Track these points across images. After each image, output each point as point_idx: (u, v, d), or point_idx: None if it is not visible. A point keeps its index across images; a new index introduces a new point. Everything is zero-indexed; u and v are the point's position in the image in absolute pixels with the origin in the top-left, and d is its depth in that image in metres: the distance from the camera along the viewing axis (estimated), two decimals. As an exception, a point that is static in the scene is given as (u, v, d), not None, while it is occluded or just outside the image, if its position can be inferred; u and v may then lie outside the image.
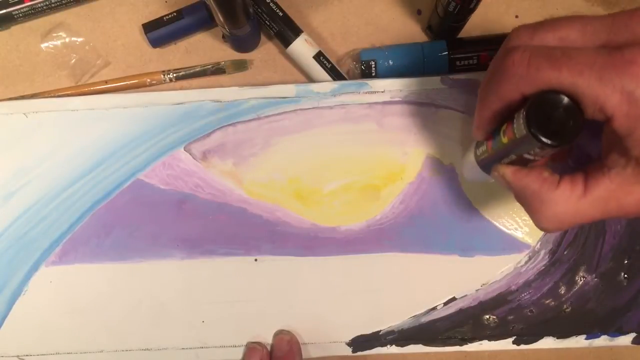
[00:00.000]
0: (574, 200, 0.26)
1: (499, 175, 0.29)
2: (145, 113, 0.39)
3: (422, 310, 0.38)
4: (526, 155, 0.26)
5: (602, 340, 0.38)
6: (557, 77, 0.23)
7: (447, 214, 0.39)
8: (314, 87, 0.39)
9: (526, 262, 0.38)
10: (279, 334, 0.38)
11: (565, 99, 0.24)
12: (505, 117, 0.27)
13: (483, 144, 0.30)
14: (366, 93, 0.39)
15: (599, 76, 0.23)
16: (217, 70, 0.41)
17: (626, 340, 0.38)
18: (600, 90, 0.23)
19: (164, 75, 0.41)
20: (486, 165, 0.31)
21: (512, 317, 0.38)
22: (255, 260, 0.38)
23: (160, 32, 0.40)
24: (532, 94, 0.24)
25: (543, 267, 0.38)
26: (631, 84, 0.22)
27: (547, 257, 0.39)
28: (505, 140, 0.27)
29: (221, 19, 0.36)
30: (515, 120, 0.25)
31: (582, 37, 0.25)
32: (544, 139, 0.24)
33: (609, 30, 0.24)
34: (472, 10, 0.37)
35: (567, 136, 0.24)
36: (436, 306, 0.38)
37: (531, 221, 0.38)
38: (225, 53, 0.42)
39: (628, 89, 0.22)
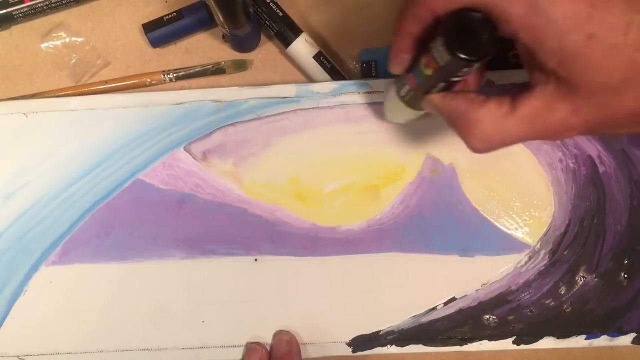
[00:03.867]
0: (500, 118, 0.26)
1: (429, 105, 0.30)
2: (145, 113, 0.39)
3: (422, 310, 0.38)
4: (454, 79, 0.27)
5: (602, 340, 0.38)
6: None
7: (447, 214, 0.39)
8: (314, 87, 0.39)
9: (526, 262, 0.38)
10: (279, 334, 0.38)
11: (477, 15, 0.24)
12: (419, 46, 0.28)
13: (405, 85, 0.31)
14: (366, 93, 0.39)
15: None
16: (217, 70, 0.41)
17: (626, 340, 0.38)
18: (506, 2, 0.23)
19: (164, 75, 0.41)
20: (415, 102, 0.31)
21: (512, 317, 0.38)
22: (255, 260, 0.38)
23: (160, 32, 0.40)
24: (444, 15, 0.25)
25: (543, 267, 0.38)
26: None
27: (547, 257, 0.39)
28: (428, 72, 0.27)
29: (221, 19, 0.36)
30: (433, 49, 0.26)
31: None
32: (466, 56, 0.24)
33: None
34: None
35: (487, 49, 0.24)
36: (436, 306, 0.38)
37: (531, 221, 0.39)
38: (225, 53, 0.42)
39: (530, 0, 0.22)
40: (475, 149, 0.28)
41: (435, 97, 0.29)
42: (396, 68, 0.30)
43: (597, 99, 0.24)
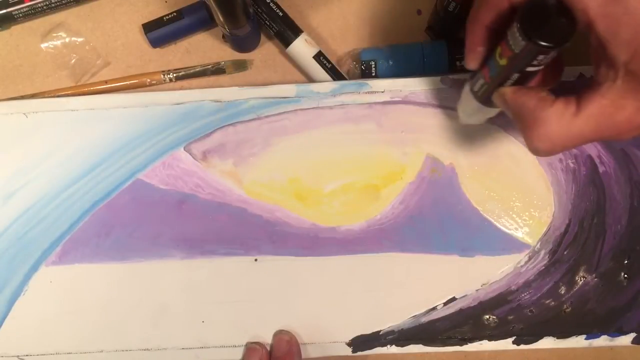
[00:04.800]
0: (566, 119, 0.25)
1: (499, 98, 0.29)
2: (145, 113, 0.39)
3: (422, 310, 0.38)
4: (528, 69, 0.26)
5: (602, 340, 0.38)
6: None
7: (447, 214, 0.39)
8: (314, 87, 0.39)
9: (526, 262, 0.38)
10: (279, 334, 0.38)
11: (553, 1, 0.24)
12: (494, 40, 0.27)
13: (480, 78, 0.30)
14: (366, 93, 0.39)
15: None
16: (217, 70, 0.41)
17: (626, 340, 0.38)
18: None
19: (164, 75, 0.41)
20: (487, 97, 0.31)
21: (512, 317, 0.38)
22: (255, 260, 0.38)
23: (160, 32, 0.40)
24: (520, 2, 0.25)
25: (543, 267, 0.38)
26: None
27: (547, 257, 0.39)
28: (503, 61, 0.27)
29: (221, 19, 0.36)
30: (509, 37, 0.26)
31: None
32: (543, 43, 0.24)
33: None
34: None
35: (564, 35, 0.24)
36: (436, 306, 0.38)
37: (531, 221, 0.39)
38: (225, 53, 0.42)
39: None
40: (537, 150, 0.27)
41: (507, 90, 0.28)
42: (472, 62, 0.30)
43: None
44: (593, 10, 0.23)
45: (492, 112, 0.32)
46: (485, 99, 0.31)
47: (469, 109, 0.34)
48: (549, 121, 0.26)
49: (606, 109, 0.25)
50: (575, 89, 0.26)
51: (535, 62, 0.26)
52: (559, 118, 0.26)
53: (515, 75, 0.28)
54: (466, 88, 0.33)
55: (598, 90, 0.25)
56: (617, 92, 0.24)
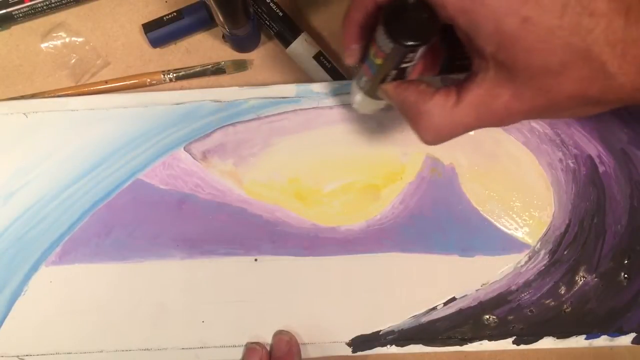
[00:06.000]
0: (448, 109, 0.26)
1: (383, 93, 0.30)
2: (146, 113, 0.39)
3: (422, 310, 0.38)
4: (403, 66, 0.27)
5: (602, 340, 0.38)
6: None
7: (447, 214, 0.39)
8: (314, 87, 0.39)
9: (526, 262, 0.38)
10: (279, 334, 0.38)
11: (412, 0, 0.24)
12: (369, 36, 0.28)
13: (362, 75, 0.31)
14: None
15: None
16: (217, 70, 0.41)
17: (626, 340, 0.38)
18: None
19: (164, 75, 0.41)
20: (373, 92, 0.31)
21: (512, 317, 0.38)
22: (255, 260, 0.38)
23: (160, 32, 0.40)
24: (384, 2, 0.25)
25: (543, 267, 0.38)
26: None
27: (547, 257, 0.39)
28: (378, 60, 0.27)
29: (221, 19, 0.36)
30: (378, 38, 0.26)
31: None
32: (409, 42, 0.25)
33: None
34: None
35: (428, 32, 0.25)
36: (436, 306, 0.38)
37: (531, 221, 0.39)
38: (225, 53, 0.42)
39: None
40: (426, 141, 0.28)
41: (389, 87, 0.29)
42: (349, 59, 0.30)
43: (537, 82, 0.24)
44: (451, 6, 0.23)
45: (382, 103, 0.33)
46: (371, 94, 0.32)
47: (361, 101, 0.34)
48: (431, 113, 0.27)
49: (483, 97, 0.25)
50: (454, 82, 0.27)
51: (407, 59, 0.26)
52: (440, 109, 0.26)
53: (393, 72, 0.28)
54: (354, 82, 0.33)
55: (474, 80, 0.26)
56: (491, 81, 0.25)
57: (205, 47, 0.42)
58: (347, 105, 0.39)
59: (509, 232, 0.39)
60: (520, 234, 0.39)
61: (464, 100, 0.26)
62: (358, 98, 0.34)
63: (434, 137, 0.28)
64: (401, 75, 0.28)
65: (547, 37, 0.22)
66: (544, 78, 0.24)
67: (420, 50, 0.26)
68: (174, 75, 0.41)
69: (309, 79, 0.41)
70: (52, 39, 0.41)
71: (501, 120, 0.26)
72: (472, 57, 0.26)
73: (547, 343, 0.38)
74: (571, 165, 0.39)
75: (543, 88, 0.24)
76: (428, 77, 0.31)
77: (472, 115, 0.26)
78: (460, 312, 0.38)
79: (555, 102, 0.24)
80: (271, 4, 0.40)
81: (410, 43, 0.25)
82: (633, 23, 0.22)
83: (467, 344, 0.38)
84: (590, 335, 0.38)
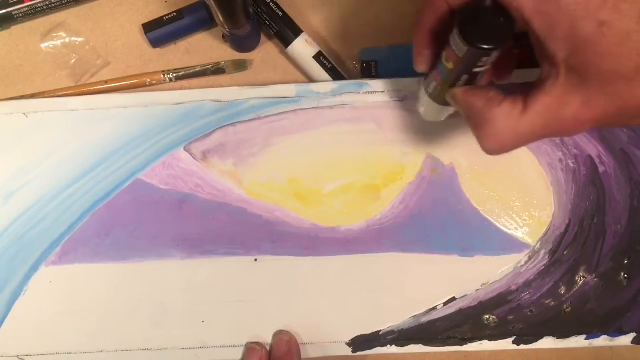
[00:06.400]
0: (514, 118, 0.26)
1: (451, 99, 0.29)
2: (145, 113, 0.39)
3: (422, 310, 0.38)
4: (475, 70, 0.27)
5: (602, 340, 0.38)
6: None
7: (447, 214, 0.39)
8: (314, 87, 0.39)
9: (526, 262, 0.38)
10: (278, 334, 0.38)
11: (489, 2, 0.24)
12: (441, 42, 0.27)
13: (432, 81, 0.31)
14: (366, 93, 0.39)
15: None
16: (217, 70, 0.41)
17: (626, 340, 0.38)
18: None
19: (164, 75, 0.41)
20: (442, 98, 0.31)
21: (512, 317, 0.38)
22: (255, 260, 0.38)
23: (160, 32, 0.40)
24: (458, 6, 0.25)
25: (543, 267, 0.38)
26: None
27: (547, 257, 0.39)
28: (450, 65, 0.27)
29: (221, 19, 0.36)
30: (451, 42, 0.26)
31: None
32: (484, 46, 0.24)
33: None
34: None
35: (503, 35, 0.24)
36: (436, 306, 0.38)
37: (531, 221, 0.39)
38: (225, 53, 0.42)
39: None
40: (488, 150, 0.27)
41: (458, 92, 0.28)
42: (420, 66, 0.30)
43: (610, 88, 0.23)
44: (528, 8, 0.23)
45: (451, 109, 0.33)
46: (440, 100, 0.31)
47: (428, 108, 0.34)
48: (497, 121, 0.26)
49: (551, 106, 0.25)
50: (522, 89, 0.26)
51: (480, 64, 0.26)
52: (507, 117, 0.26)
53: (465, 77, 0.28)
54: (422, 89, 0.33)
55: (542, 87, 0.25)
56: (561, 88, 0.24)
57: (205, 47, 0.42)
58: (347, 105, 0.39)
59: (509, 232, 0.39)
60: (520, 234, 0.39)
61: (531, 109, 0.25)
62: (425, 104, 0.33)
63: (496, 145, 0.27)
64: (472, 80, 0.28)
65: (624, 42, 0.22)
66: (616, 84, 0.23)
67: (494, 54, 0.25)
68: (174, 75, 0.41)
69: (309, 79, 0.41)
70: (52, 39, 0.41)
71: (569, 129, 0.25)
72: (542, 64, 0.25)
73: (547, 343, 0.38)
74: (571, 165, 0.39)
75: (616, 94, 0.23)
76: (499, 83, 0.30)
77: (539, 124, 0.25)
78: (460, 312, 0.38)
79: (628, 108, 0.24)
80: (271, 4, 0.40)
81: (485, 46, 0.24)
82: None
83: (467, 344, 0.38)
84: (590, 335, 0.38)
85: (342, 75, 0.40)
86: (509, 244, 0.39)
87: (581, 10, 0.22)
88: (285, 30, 0.40)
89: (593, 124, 0.25)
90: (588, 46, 0.22)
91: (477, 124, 0.27)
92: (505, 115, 0.26)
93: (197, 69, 0.41)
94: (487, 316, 0.38)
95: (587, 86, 0.24)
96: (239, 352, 0.38)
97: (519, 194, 0.39)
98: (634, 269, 0.38)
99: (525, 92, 0.26)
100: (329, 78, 0.40)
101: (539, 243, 0.39)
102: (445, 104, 0.31)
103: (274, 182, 0.39)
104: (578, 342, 0.38)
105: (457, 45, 0.25)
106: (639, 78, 0.23)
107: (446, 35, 0.26)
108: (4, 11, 0.40)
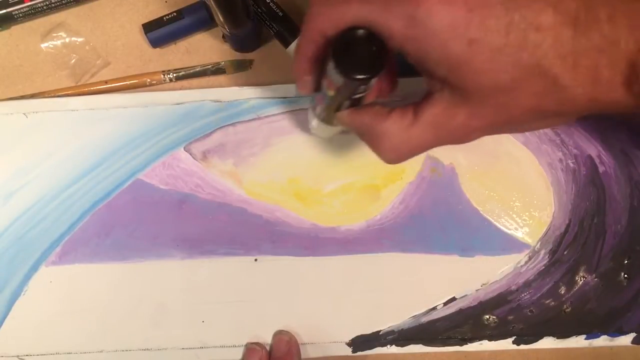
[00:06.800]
0: (404, 129, 0.26)
1: (340, 122, 0.30)
2: (145, 113, 0.39)
3: (422, 310, 0.38)
4: (356, 96, 0.27)
5: (602, 340, 0.38)
6: (349, 10, 0.24)
7: (447, 214, 0.39)
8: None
9: (526, 262, 0.38)
10: (278, 334, 0.38)
11: (361, 31, 0.24)
12: (322, 69, 0.28)
13: (317, 105, 0.31)
14: (366, 93, 0.39)
15: (384, 5, 0.23)
16: (217, 70, 0.41)
17: (626, 340, 0.38)
18: (387, 17, 0.23)
19: (164, 75, 0.41)
20: (329, 119, 0.31)
21: (512, 317, 0.38)
22: (255, 260, 0.38)
23: (160, 32, 0.40)
24: (333, 36, 0.25)
25: (543, 267, 0.38)
26: (409, 7, 0.22)
27: (547, 257, 0.39)
28: (331, 92, 0.27)
29: (221, 19, 0.36)
30: (328, 72, 0.26)
31: None
32: (359, 76, 0.24)
33: None
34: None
35: (378, 63, 0.24)
36: (436, 306, 0.38)
37: (531, 221, 0.39)
38: (225, 53, 0.42)
39: (408, 13, 0.22)
40: (387, 161, 0.28)
41: (344, 115, 0.29)
42: (302, 90, 0.30)
43: (492, 100, 0.24)
44: (398, 35, 0.23)
45: (338, 128, 0.33)
46: (328, 121, 0.32)
47: (317, 127, 0.34)
48: (389, 133, 0.27)
49: (439, 117, 0.25)
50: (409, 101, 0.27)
51: (359, 91, 0.26)
52: (398, 129, 0.27)
53: (347, 102, 0.28)
54: (310, 109, 0.33)
55: (430, 100, 0.26)
56: (447, 101, 0.25)
57: (205, 47, 0.42)
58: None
59: (509, 232, 0.39)
60: (520, 234, 0.39)
61: (420, 120, 0.26)
62: (314, 125, 0.34)
63: (393, 156, 0.28)
64: (355, 103, 0.28)
65: (495, 57, 0.22)
66: (498, 96, 0.24)
67: (372, 82, 0.25)
68: (174, 75, 0.41)
69: (309, 79, 0.41)
70: (52, 39, 0.41)
71: (460, 138, 0.26)
72: (425, 79, 0.26)
73: (547, 343, 0.38)
74: (571, 165, 0.39)
75: (499, 105, 0.24)
76: (383, 100, 0.30)
77: (430, 133, 0.26)
78: (460, 312, 0.38)
79: (513, 117, 0.25)
80: (271, 4, 0.40)
81: (360, 77, 0.24)
82: (582, 34, 0.22)
83: (467, 344, 0.38)
84: (590, 335, 0.38)
85: (342, 75, 0.40)
86: (509, 244, 0.39)
87: (449, 31, 0.22)
88: (285, 30, 0.40)
89: (483, 132, 0.26)
90: (461, 65, 0.23)
91: (370, 140, 0.28)
92: (396, 127, 0.27)
93: (197, 69, 0.41)
94: (487, 316, 0.38)
95: (470, 99, 0.24)
96: (239, 352, 0.38)
97: (519, 194, 0.39)
98: (634, 269, 0.38)
99: (414, 103, 0.26)
100: (329, 78, 0.40)
101: (539, 243, 0.39)
102: (333, 124, 0.32)
103: (274, 182, 0.39)
104: (578, 342, 0.38)
105: (334, 75, 0.25)
106: (518, 88, 0.23)
107: (326, 62, 0.27)
108: (4, 11, 0.40)
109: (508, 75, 0.23)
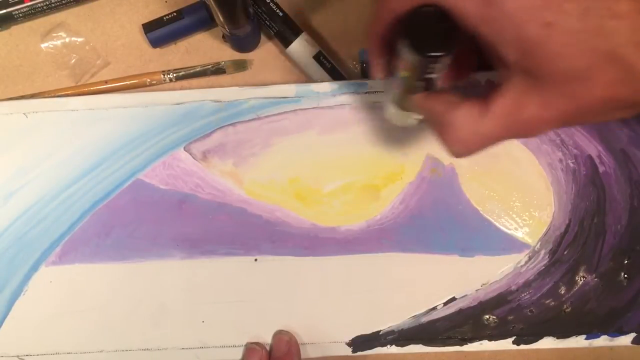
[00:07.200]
0: (474, 120, 0.26)
1: (414, 107, 0.29)
2: (145, 113, 0.39)
3: (422, 310, 0.38)
4: (429, 76, 0.27)
5: (602, 340, 0.38)
6: None
7: (447, 214, 0.39)
8: (314, 87, 0.39)
9: (526, 262, 0.38)
10: (278, 334, 0.38)
11: (432, 9, 0.24)
12: (393, 51, 0.27)
13: (392, 90, 0.31)
14: (366, 93, 0.39)
15: None
16: (217, 70, 0.41)
17: (626, 340, 0.38)
18: None
19: (164, 75, 0.41)
20: (405, 104, 0.31)
21: (512, 317, 0.38)
22: (255, 260, 0.38)
23: (160, 32, 0.40)
24: (404, 15, 0.25)
25: (543, 267, 0.38)
26: None
27: (547, 257, 0.39)
28: (404, 73, 0.27)
29: (221, 19, 0.36)
30: (400, 51, 0.26)
31: None
32: (432, 53, 0.24)
33: None
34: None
35: (451, 41, 0.24)
36: (436, 306, 0.38)
37: (531, 221, 0.39)
38: (225, 53, 0.42)
39: None
40: (454, 153, 0.27)
41: (418, 98, 0.29)
42: (377, 74, 0.30)
43: (565, 88, 0.23)
44: (471, 16, 0.23)
45: (413, 117, 0.33)
46: (404, 106, 0.31)
47: (395, 114, 0.34)
48: (458, 124, 0.26)
49: (510, 108, 0.25)
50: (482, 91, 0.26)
51: (432, 70, 0.26)
52: (467, 120, 0.26)
53: (421, 83, 0.28)
54: (386, 97, 0.33)
55: (500, 90, 0.25)
56: (517, 90, 0.24)
57: (205, 47, 0.42)
58: (347, 105, 0.39)
59: (509, 232, 0.39)
60: (520, 234, 0.39)
61: (490, 111, 0.25)
62: (391, 111, 0.33)
63: (460, 148, 0.27)
64: (430, 86, 0.28)
65: (571, 41, 0.22)
66: (571, 84, 0.23)
67: (444, 60, 0.25)
68: (174, 75, 0.41)
69: (309, 79, 0.41)
70: (52, 39, 0.41)
71: (531, 130, 0.25)
72: (496, 67, 0.25)
73: (547, 343, 0.38)
74: (571, 165, 0.39)
75: (571, 94, 0.23)
76: (460, 84, 0.30)
77: (499, 126, 0.25)
78: (460, 312, 0.38)
79: (585, 108, 0.24)
80: (271, 4, 0.40)
81: (432, 54, 0.24)
82: None
83: (467, 344, 0.38)
84: (590, 335, 0.38)
85: (342, 75, 0.40)
86: (509, 244, 0.39)
87: (525, 13, 0.22)
88: (285, 30, 0.40)
89: (555, 124, 0.25)
90: (536, 48, 0.22)
91: (439, 128, 0.27)
92: (466, 117, 0.26)
93: (197, 69, 0.41)
94: (487, 316, 0.38)
95: (542, 87, 0.24)
96: (239, 352, 0.38)
97: (519, 194, 0.39)
98: (634, 269, 0.38)
99: (486, 94, 0.26)
100: (329, 78, 0.40)
101: (539, 243, 0.39)
102: (409, 109, 0.31)
103: (274, 182, 0.39)
104: (578, 342, 0.38)
105: (406, 54, 0.25)
106: (593, 76, 0.22)
107: (399, 41, 0.26)
108: (4, 11, 0.40)
109: (583, 61, 0.22)
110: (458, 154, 0.27)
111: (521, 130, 0.26)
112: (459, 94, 0.27)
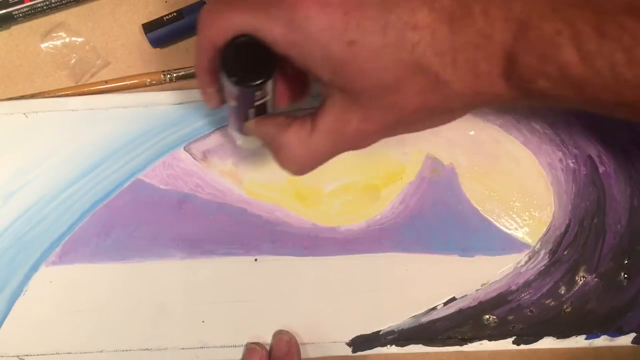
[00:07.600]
0: (304, 139, 0.26)
1: (249, 133, 0.30)
2: (145, 113, 0.39)
3: (422, 310, 0.38)
4: (257, 103, 0.27)
5: (602, 340, 0.38)
6: (233, 18, 0.24)
7: (447, 214, 0.39)
8: (313, 87, 0.39)
9: (526, 262, 0.38)
10: (278, 334, 0.38)
11: (245, 38, 0.24)
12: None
13: (229, 118, 0.31)
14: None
15: (265, 12, 0.23)
16: (217, 70, 0.41)
17: (626, 340, 0.38)
18: (268, 23, 0.23)
19: (164, 75, 0.41)
20: (244, 131, 0.31)
21: (512, 317, 0.38)
22: (255, 260, 0.38)
23: (160, 32, 0.40)
24: (223, 45, 0.25)
25: (543, 267, 0.38)
26: (288, 12, 0.23)
27: (547, 257, 0.39)
28: (233, 103, 0.28)
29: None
30: (223, 82, 0.26)
31: None
32: (251, 83, 0.25)
33: None
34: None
35: (269, 67, 0.25)
36: (436, 306, 0.38)
37: (531, 221, 0.39)
38: (225, 53, 0.42)
39: (287, 18, 0.23)
40: (291, 172, 0.28)
41: (250, 125, 0.29)
42: (209, 103, 0.30)
43: (381, 101, 0.24)
44: (279, 42, 0.23)
45: (259, 141, 0.33)
46: (244, 132, 0.32)
47: (242, 140, 0.34)
48: (290, 144, 0.27)
49: (334, 124, 0.26)
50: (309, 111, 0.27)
51: (258, 97, 0.26)
52: (297, 140, 0.26)
53: (252, 110, 0.28)
54: (229, 124, 0.33)
55: (324, 107, 0.26)
56: (338, 106, 0.25)
57: (205, 47, 0.42)
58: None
59: (509, 232, 0.39)
60: (520, 234, 0.39)
61: (317, 129, 0.26)
62: (238, 138, 0.34)
63: (295, 167, 0.28)
64: (261, 111, 0.28)
65: (376, 57, 0.22)
66: (385, 97, 0.24)
67: (266, 86, 0.25)
68: (174, 75, 0.41)
69: (309, 79, 0.41)
70: (52, 39, 0.41)
71: (358, 143, 0.26)
72: (318, 85, 0.26)
73: (547, 343, 0.38)
74: (571, 165, 0.39)
75: (387, 106, 0.24)
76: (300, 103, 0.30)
77: (327, 142, 0.26)
78: (460, 312, 0.38)
79: (404, 117, 0.25)
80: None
81: (251, 83, 0.25)
82: (457, 29, 0.22)
83: (467, 344, 0.38)
84: (590, 335, 0.38)
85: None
86: (509, 244, 0.39)
87: (329, 34, 0.22)
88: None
89: (379, 135, 0.26)
90: (344, 66, 0.23)
91: (274, 150, 0.28)
92: (297, 137, 0.26)
93: (197, 69, 0.41)
94: (487, 316, 0.38)
95: (360, 102, 0.24)
96: (239, 352, 0.38)
97: (519, 194, 0.39)
98: (634, 269, 0.38)
99: (313, 112, 0.26)
100: (329, 78, 0.40)
101: (539, 243, 0.39)
102: (250, 134, 0.32)
103: (274, 182, 0.39)
104: (578, 342, 0.38)
105: (228, 86, 0.25)
106: (403, 87, 0.23)
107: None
108: (4, 11, 0.40)
109: (390, 74, 0.23)
110: (295, 173, 0.28)
111: (349, 144, 0.26)
112: (288, 115, 0.28)
